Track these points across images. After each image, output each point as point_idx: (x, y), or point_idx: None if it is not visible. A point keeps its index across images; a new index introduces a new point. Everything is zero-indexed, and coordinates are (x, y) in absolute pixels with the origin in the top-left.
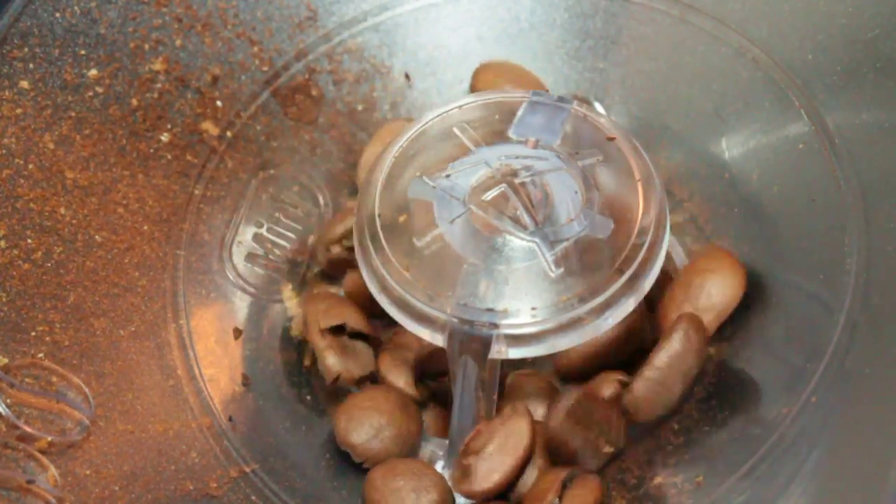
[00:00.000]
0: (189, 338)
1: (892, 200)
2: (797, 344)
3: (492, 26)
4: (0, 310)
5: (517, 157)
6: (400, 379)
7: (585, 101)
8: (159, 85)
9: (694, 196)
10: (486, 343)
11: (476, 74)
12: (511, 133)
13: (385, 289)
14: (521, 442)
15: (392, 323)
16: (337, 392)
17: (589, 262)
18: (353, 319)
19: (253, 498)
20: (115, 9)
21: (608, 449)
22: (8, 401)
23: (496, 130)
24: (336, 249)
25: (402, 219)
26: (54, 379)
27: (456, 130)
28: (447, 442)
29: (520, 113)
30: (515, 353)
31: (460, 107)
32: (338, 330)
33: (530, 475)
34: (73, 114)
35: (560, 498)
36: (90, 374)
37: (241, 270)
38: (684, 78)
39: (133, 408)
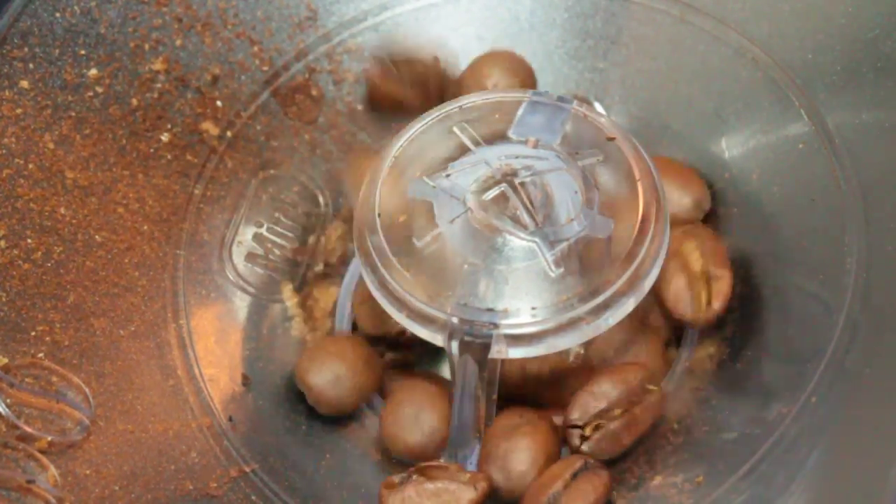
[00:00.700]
0: (189, 338)
1: (892, 200)
2: (797, 344)
3: (492, 26)
4: (0, 310)
5: (517, 157)
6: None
7: (585, 101)
8: (159, 85)
9: None
10: (486, 343)
11: (472, 66)
12: (511, 133)
13: (385, 289)
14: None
15: None
16: None
17: (589, 262)
18: None
19: (253, 498)
20: (115, 9)
21: None
22: (8, 401)
23: (496, 130)
24: None
25: (402, 219)
26: (54, 379)
27: (456, 130)
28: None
29: (520, 113)
30: (515, 352)
31: (460, 107)
32: None
33: None
34: (73, 114)
35: (565, 487)
36: (90, 374)
37: (241, 270)
38: (684, 78)
39: (133, 408)
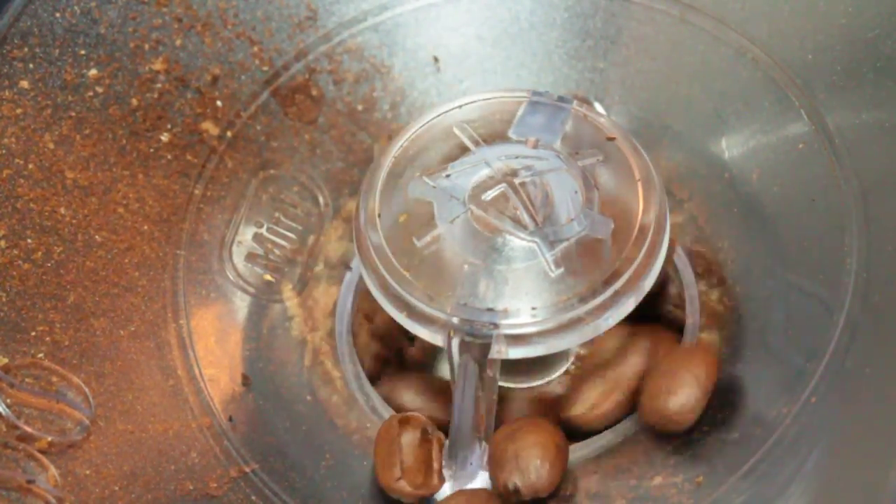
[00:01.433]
0: (189, 338)
1: (892, 200)
2: (797, 344)
3: (492, 26)
4: (0, 310)
5: (517, 157)
6: None
7: (585, 101)
8: (159, 85)
9: (694, 196)
10: (486, 343)
11: None
12: (511, 133)
13: (385, 289)
14: None
15: None
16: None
17: (589, 262)
18: None
19: (253, 498)
20: (115, 9)
21: None
22: (8, 401)
23: (496, 130)
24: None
25: (402, 219)
26: (54, 379)
27: (456, 130)
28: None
29: (520, 113)
30: (515, 352)
31: (460, 107)
32: None
33: None
34: (73, 114)
35: None
36: (90, 374)
37: (241, 270)
38: (684, 78)
39: (133, 408)
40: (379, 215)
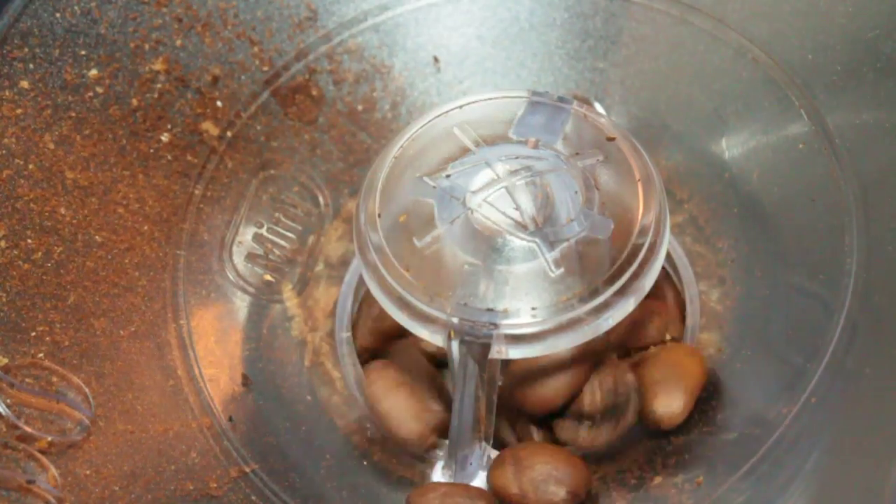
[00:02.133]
0: (189, 338)
1: (892, 200)
2: (797, 344)
3: (492, 26)
4: (0, 310)
5: (517, 158)
6: None
7: (585, 101)
8: (159, 85)
9: (694, 196)
10: (486, 343)
11: None
12: (511, 133)
13: (385, 289)
14: None
15: None
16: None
17: (589, 263)
18: None
19: (253, 498)
20: (115, 9)
21: None
22: (8, 401)
23: (496, 130)
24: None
25: (402, 219)
26: (54, 379)
27: (456, 130)
28: (447, 442)
29: (520, 113)
30: (515, 352)
31: (460, 107)
32: None
33: None
34: (73, 114)
35: None
36: (90, 374)
37: (241, 270)
38: (684, 78)
39: (133, 408)
40: (379, 215)
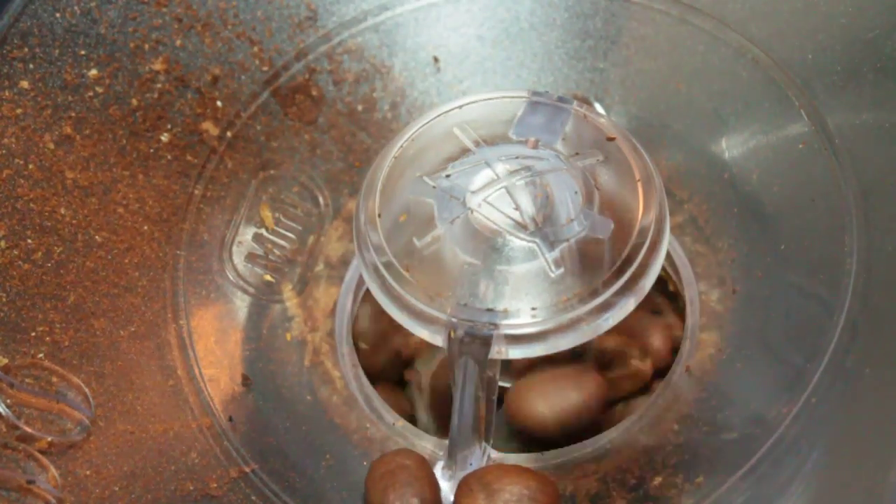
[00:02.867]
0: (189, 338)
1: (892, 200)
2: (797, 344)
3: (492, 26)
4: (0, 310)
5: (517, 158)
6: None
7: (585, 101)
8: (159, 85)
9: (694, 196)
10: (486, 343)
11: None
12: (511, 133)
13: (385, 289)
14: None
15: None
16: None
17: (589, 263)
18: None
19: (253, 498)
20: (115, 9)
21: None
22: (8, 401)
23: (496, 130)
24: None
25: (402, 219)
26: (54, 379)
27: (456, 130)
28: (447, 442)
29: (520, 113)
30: (515, 352)
31: (460, 107)
32: None
33: None
34: (73, 114)
35: None
36: (90, 374)
37: (241, 270)
38: (684, 78)
39: (133, 408)
40: (379, 215)
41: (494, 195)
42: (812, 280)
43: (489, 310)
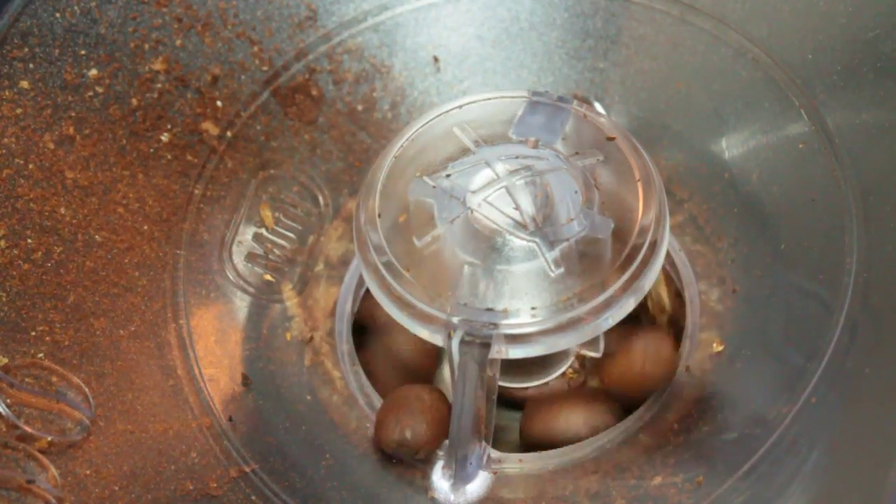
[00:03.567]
0: (189, 338)
1: (892, 200)
2: (797, 344)
3: (492, 26)
4: (0, 310)
5: (517, 157)
6: None
7: (585, 101)
8: (159, 85)
9: (694, 196)
10: (486, 343)
11: None
12: (511, 133)
13: (385, 288)
14: None
15: None
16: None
17: (589, 262)
18: None
19: (253, 498)
20: (115, 9)
21: None
22: (8, 401)
23: (496, 130)
24: None
25: (402, 219)
26: (54, 379)
27: (456, 130)
28: (447, 442)
29: (520, 113)
30: (515, 352)
31: (460, 107)
32: None
33: None
34: (73, 114)
35: None
36: (90, 374)
37: (241, 270)
38: (684, 78)
39: (133, 408)
40: (379, 215)
41: (494, 195)
42: (812, 280)
43: (489, 309)
